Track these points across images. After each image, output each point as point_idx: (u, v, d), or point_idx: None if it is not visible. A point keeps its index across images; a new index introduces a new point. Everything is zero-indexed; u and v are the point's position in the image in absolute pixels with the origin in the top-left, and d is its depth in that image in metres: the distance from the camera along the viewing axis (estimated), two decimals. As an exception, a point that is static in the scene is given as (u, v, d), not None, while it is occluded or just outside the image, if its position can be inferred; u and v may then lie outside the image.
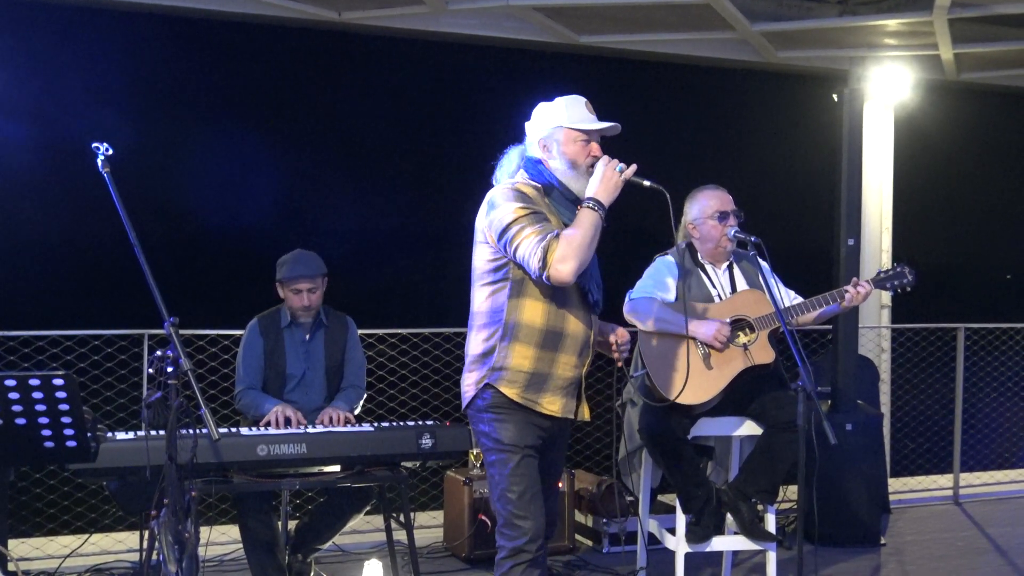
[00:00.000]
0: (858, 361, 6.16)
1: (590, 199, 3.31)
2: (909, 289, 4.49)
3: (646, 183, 3.38)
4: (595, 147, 3.43)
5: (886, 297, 7.26)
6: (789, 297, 4.52)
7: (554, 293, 3.33)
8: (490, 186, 3.48)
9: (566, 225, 3.31)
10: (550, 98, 3.47)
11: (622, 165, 3.36)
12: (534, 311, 3.33)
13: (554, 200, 3.41)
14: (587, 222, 3.27)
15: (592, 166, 3.38)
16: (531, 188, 3.40)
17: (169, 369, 3.11)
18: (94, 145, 3.38)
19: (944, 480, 7.24)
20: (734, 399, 4.41)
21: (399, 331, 6.06)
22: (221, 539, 5.33)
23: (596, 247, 3.30)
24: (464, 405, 3.44)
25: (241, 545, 4.55)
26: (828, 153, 5.99)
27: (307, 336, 4.70)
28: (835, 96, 5.94)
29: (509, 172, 3.50)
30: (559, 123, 3.42)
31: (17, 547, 5.17)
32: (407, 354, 6.07)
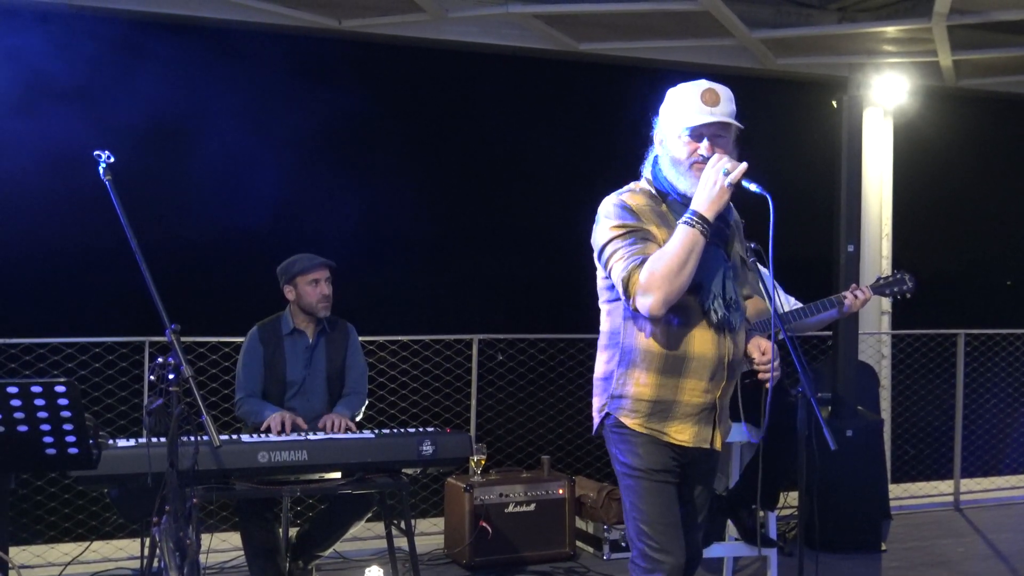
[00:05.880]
0: (858, 367, 6.17)
1: (691, 212, 2.86)
2: (909, 296, 4.50)
3: (753, 187, 2.88)
4: (704, 144, 2.95)
5: (886, 303, 7.26)
6: (789, 303, 4.53)
7: (672, 313, 2.92)
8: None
9: None
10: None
11: (727, 166, 2.87)
12: (650, 335, 2.97)
13: (670, 206, 3.02)
14: (679, 242, 2.83)
15: (696, 165, 2.94)
16: (643, 196, 3.03)
17: (170, 376, 3.12)
18: (96, 152, 3.40)
19: (945, 486, 7.23)
20: (733, 405, 4.41)
21: (400, 338, 6.06)
22: (222, 546, 5.32)
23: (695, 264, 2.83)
24: (594, 429, 3.18)
25: (242, 552, 4.55)
26: (827, 160, 6.00)
27: (310, 342, 4.71)
28: (834, 103, 5.95)
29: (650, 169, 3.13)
30: (666, 114, 3.05)
31: (18, 554, 5.17)
32: (408, 361, 6.07)
